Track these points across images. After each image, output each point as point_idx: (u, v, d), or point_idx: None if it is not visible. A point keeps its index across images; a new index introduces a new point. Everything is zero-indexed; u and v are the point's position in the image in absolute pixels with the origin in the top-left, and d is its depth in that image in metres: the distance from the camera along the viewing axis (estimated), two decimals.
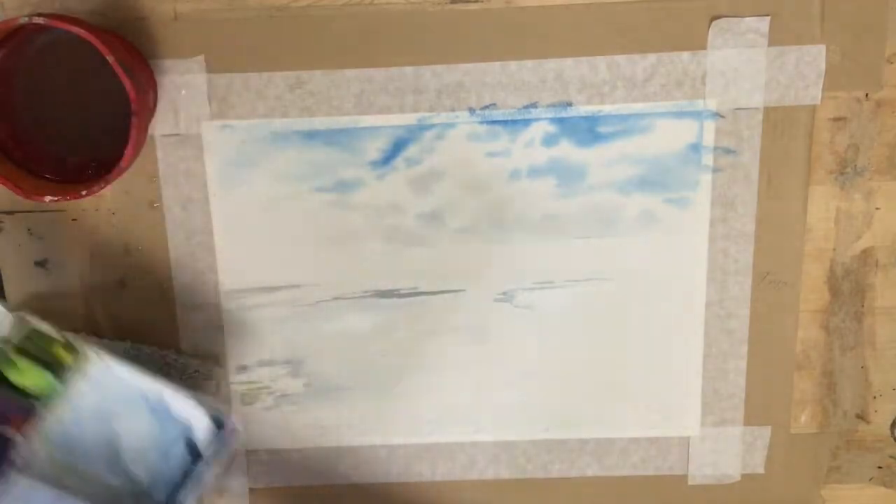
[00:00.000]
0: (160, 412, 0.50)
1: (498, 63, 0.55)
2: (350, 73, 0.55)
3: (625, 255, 0.58)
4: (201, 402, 0.50)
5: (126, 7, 0.54)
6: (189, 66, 0.54)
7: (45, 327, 0.49)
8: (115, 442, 0.49)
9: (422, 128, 0.55)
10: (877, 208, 0.58)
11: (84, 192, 0.50)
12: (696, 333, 0.59)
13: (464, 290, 0.58)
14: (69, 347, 0.49)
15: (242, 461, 0.61)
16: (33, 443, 0.47)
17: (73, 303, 0.58)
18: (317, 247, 0.57)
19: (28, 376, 0.48)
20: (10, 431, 0.47)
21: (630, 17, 0.54)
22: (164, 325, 0.58)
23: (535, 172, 0.56)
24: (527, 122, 0.55)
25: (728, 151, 0.56)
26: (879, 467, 0.62)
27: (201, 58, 0.54)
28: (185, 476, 0.49)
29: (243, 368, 0.59)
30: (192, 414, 0.50)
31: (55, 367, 0.49)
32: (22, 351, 0.48)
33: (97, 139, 0.53)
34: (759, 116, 0.56)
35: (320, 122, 0.55)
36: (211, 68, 0.54)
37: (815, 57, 0.55)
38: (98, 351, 0.49)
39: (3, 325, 0.48)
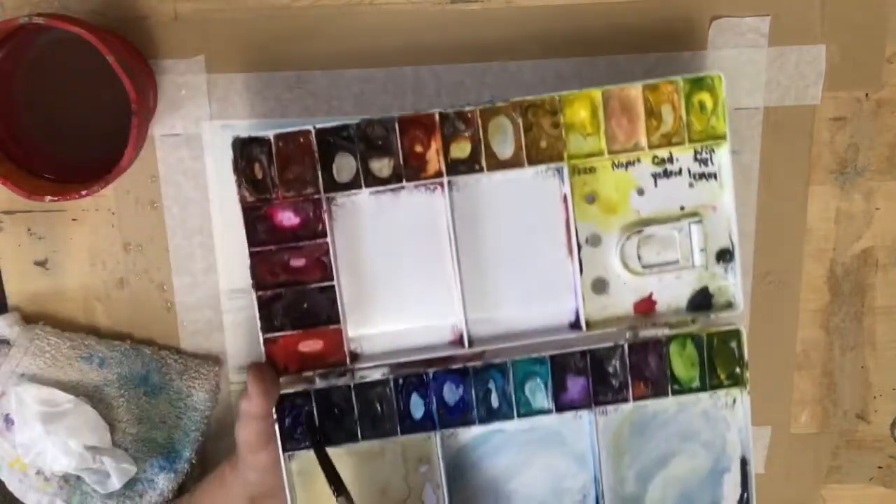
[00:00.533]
0: None
1: (498, 63, 0.55)
2: (350, 73, 0.55)
3: None
4: None
5: (126, 7, 0.54)
6: (189, 66, 0.54)
7: None
8: None
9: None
10: (877, 208, 0.58)
11: (84, 192, 0.50)
12: None
13: None
14: None
15: None
16: None
17: (73, 303, 0.58)
18: None
19: None
20: None
21: (630, 17, 0.54)
22: (164, 325, 0.58)
23: None
24: None
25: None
26: (879, 467, 0.62)
27: (201, 58, 0.54)
28: None
29: (243, 368, 0.59)
30: None
31: None
32: None
33: (97, 139, 0.53)
34: (759, 116, 0.56)
35: (320, 122, 0.55)
36: (211, 68, 0.54)
37: (815, 57, 0.55)
38: None
39: None
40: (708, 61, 0.54)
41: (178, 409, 0.57)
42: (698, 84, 0.48)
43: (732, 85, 0.55)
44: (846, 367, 0.60)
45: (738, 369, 0.51)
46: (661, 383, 0.51)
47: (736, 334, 0.51)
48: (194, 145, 0.56)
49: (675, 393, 0.51)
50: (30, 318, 0.58)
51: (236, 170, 0.47)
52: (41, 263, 0.57)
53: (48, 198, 0.50)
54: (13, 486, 0.56)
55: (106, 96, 0.51)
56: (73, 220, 0.57)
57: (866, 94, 0.56)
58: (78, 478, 0.55)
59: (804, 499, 0.63)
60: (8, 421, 0.55)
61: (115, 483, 0.55)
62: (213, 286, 0.58)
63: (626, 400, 0.50)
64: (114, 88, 0.49)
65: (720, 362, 0.51)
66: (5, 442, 0.55)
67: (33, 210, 0.57)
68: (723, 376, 0.51)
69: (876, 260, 0.59)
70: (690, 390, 0.51)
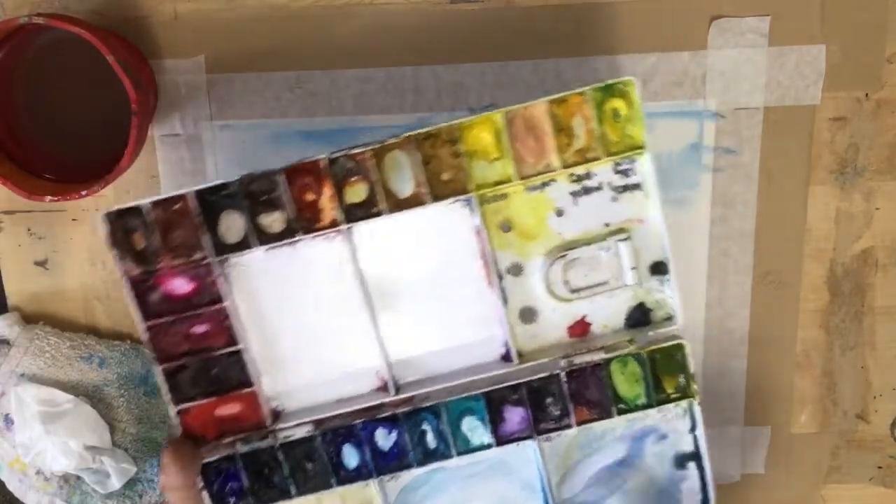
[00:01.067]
0: None
1: (498, 63, 0.55)
2: (350, 73, 0.55)
3: None
4: None
5: (126, 7, 0.54)
6: (189, 66, 0.54)
7: None
8: None
9: (421, 128, 0.55)
10: (877, 208, 0.58)
11: (84, 192, 0.50)
12: (695, 333, 0.59)
13: None
14: None
15: None
16: None
17: (73, 303, 0.58)
18: None
19: None
20: None
21: (630, 17, 0.54)
22: None
23: None
24: None
25: (728, 151, 0.56)
26: (879, 467, 0.62)
27: (201, 58, 0.54)
28: None
29: None
30: None
31: None
32: None
33: (97, 139, 0.53)
34: (759, 116, 0.56)
35: (320, 122, 0.55)
36: (211, 68, 0.54)
37: (815, 57, 0.55)
38: None
39: None
40: (708, 61, 0.54)
41: None
42: (609, 91, 0.45)
43: (732, 85, 0.55)
44: (846, 367, 0.60)
45: (684, 380, 0.48)
46: (604, 405, 0.48)
47: (679, 348, 0.48)
48: (194, 145, 0.56)
49: (620, 412, 0.48)
50: (30, 318, 0.58)
51: (114, 244, 0.44)
52: (41, 263, 0.57)
53: (48, 198, 0.51)
54: (13, 486, 0.56)
55: (106, 96, 0.52)
56: (73, 220, 0.57)
57: (866, 94, 0.56)
58: (78, 478, 0.55)
59: (804, 499, 0.63)
60: (8, 421, 0.55)
61: (115, 483, 0.55)
62: None
63: (569, 426, 0.48)
64: (114, 88, 0.49)
65: (666, 377, 0.48)
66: (5, 442, 0.55)
67: (33, 210, 0.57)
68: (670, 390, 0.48)
69: (876, 260, 0.59)
70: (637, 408, 0.48)
